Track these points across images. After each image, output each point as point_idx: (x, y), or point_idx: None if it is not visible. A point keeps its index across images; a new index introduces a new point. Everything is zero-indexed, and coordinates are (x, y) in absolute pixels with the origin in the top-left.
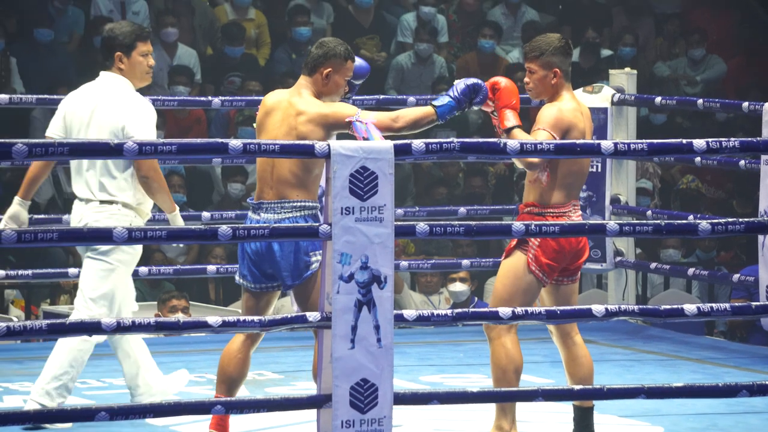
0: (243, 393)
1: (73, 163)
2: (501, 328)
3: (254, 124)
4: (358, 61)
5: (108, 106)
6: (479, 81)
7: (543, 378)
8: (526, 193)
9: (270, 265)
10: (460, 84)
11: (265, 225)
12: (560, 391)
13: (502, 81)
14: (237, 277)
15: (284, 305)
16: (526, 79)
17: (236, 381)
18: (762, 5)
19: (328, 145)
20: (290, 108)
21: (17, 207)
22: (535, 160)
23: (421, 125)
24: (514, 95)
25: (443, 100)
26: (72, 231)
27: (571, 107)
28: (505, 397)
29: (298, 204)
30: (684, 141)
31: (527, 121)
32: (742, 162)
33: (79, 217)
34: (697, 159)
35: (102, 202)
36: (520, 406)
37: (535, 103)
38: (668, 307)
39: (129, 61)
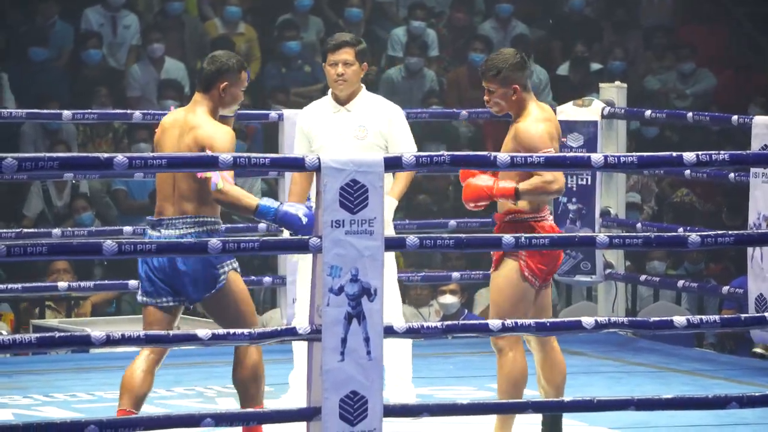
0: (232, 406)
1: None
2: (510, 341)
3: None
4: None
5: None
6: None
7: (533, 390)
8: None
9: (175, 280)
10: (287, 212)
11: (254, 238)
12: (551, 403)
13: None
14: (139, 296)
15: (273, 317)
16: (486, 98)
17: (140, 394)
18: (751, 21)
19: (318, 158)
20: (185, 125)
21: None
22: (560, 185)
23: (235, 208)
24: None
25: (271, 204)
26: (61, 245)
27: (542, 116)
28: (496, 410)
29: (200, 219)
30: (674, 154)
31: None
32: (731, 175)
33: None
34: (687, 172)
35: None
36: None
37: None
38: (658, 319)
39: None
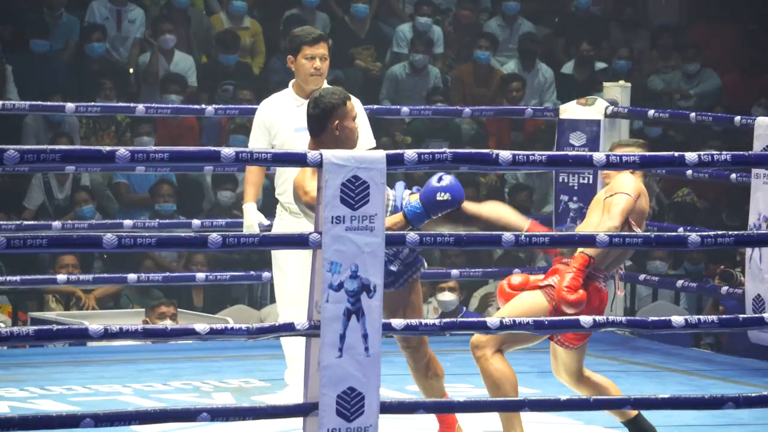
0: (228, 401)
1: None
2: (486, 348)
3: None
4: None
5: None
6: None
7: (530, 388)
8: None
9: None
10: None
11: (256, 234)
12: (547, 401)
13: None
14: None
15: (271, 312)
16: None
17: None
18: (758, 22)
19: (320, 154)
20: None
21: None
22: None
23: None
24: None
25: (415, 206)
26: (61, 238)
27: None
28: (492, 407)
29: None
30: (676, 154)
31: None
32: (733, 175)
33: None
34: (689, 172)
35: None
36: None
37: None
38: (656, 318)
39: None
